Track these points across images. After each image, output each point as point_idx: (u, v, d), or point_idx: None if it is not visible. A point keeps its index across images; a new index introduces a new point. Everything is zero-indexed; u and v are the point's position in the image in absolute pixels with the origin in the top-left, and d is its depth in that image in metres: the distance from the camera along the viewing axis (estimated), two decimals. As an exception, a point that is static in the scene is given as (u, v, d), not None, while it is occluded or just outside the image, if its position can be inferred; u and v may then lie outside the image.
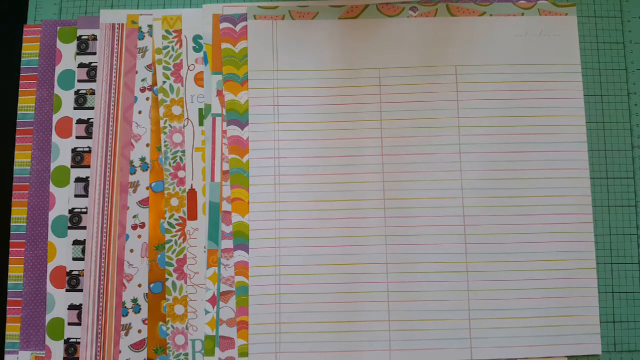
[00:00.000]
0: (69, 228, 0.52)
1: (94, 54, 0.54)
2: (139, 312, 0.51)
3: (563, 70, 0.53)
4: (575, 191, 0.52)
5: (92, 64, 0.54)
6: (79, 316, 0.51)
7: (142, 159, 0.53)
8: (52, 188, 0.53)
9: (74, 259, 0.52)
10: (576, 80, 0.53)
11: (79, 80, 0.54)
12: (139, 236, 0.51)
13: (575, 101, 0.53)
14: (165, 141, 0.53)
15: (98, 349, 0.50)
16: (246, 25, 0.54)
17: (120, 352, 0.50)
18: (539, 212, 0.51)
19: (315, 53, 0.53)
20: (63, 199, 0.52)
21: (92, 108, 0.53)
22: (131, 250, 0.51)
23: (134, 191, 0.52)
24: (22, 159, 0.53)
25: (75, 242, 0.52)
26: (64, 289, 0.51)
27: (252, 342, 0.49)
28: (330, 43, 0.53)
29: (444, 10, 0.54)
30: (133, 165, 0.52)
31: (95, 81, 0.54)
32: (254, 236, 0.51)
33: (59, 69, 0.54)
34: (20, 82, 0.54)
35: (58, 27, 0.55)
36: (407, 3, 0.54)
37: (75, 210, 0.52)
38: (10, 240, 0.52)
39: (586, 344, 0.50)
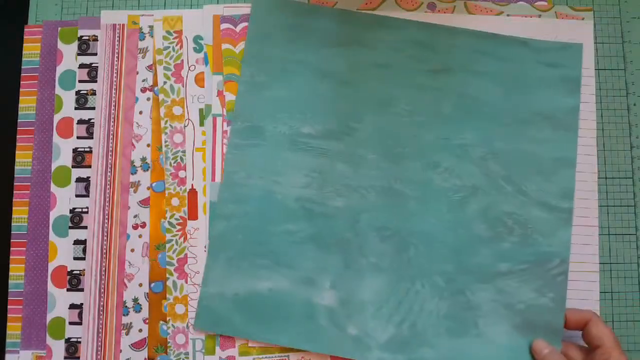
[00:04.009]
0: (70, 228, 0.52)
1: (95, 54, 0.54)
2: (139, 311, 0.51)
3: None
4: (580, 194, 0.51)
5: (93, 65, 0.54)
6: (80, 315, 0.51)
7: (143, 159, 0.53)
8: (53, 188, 0.53)
9: (75, 258, 0.52)
10: (589, 85, 0.53)
11: (80, 81, 0.54)
12: (140, 236, 0.52)
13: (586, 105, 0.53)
14: (166, 141, 0.53)
15: (99, 348, 0.50)
16: (246, 26, 0.54)
17: (121, 351, 0.50)
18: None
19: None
20: (64, 199, 0.53)
21: (93, 108, 0.54)
22: (132, 250, 0.51)
23: (135, 191, 0.52)
24: (23, 159, 0.54)
25: (76, 242, 0.52)
26: (65, 289, 0.52)
27: None
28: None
29: (461, 7, 0.54)
30: (134, 165, 0.53)
31: (96, 82, 0.54)
32: None
33: (59, 70, 0.54)
34: (21, 82, 0.55)
35: (59, 28, 0.55)
36: None
37: (76, 210, 0.53)
38: (11, 240, 0.53)
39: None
